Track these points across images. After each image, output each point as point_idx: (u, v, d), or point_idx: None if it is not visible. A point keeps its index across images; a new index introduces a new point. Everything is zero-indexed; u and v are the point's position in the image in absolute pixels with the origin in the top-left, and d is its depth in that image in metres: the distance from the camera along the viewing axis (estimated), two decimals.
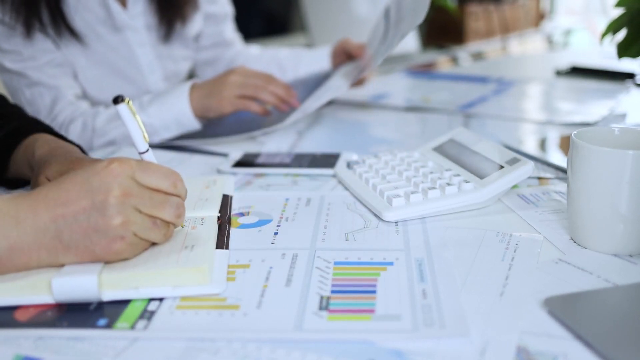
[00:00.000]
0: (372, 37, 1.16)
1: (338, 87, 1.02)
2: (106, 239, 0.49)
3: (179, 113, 0.94)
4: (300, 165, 0.81)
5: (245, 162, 0.83)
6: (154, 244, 0.54)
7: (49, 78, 0.98)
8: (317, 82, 1.13)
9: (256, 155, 0.86)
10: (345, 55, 1.19)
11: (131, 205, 0.50)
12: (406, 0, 0.99)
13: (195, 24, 1.16)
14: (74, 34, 0.98)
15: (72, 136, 0.95)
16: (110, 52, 1.04)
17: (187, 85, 0.95)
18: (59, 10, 0.96)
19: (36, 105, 0.98)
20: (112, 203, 0.49)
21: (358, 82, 1.17)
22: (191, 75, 1.25)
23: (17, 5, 0.93)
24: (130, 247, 0.50)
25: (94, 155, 0.88)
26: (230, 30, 1.26)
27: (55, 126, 0.96)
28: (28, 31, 0.94)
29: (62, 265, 0.50)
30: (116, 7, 1.02)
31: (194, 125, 0.95)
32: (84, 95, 1.04)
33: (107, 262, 0.51)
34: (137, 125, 0.55)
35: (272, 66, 1.25)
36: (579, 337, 0.43)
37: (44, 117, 0.98)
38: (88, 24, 1.00)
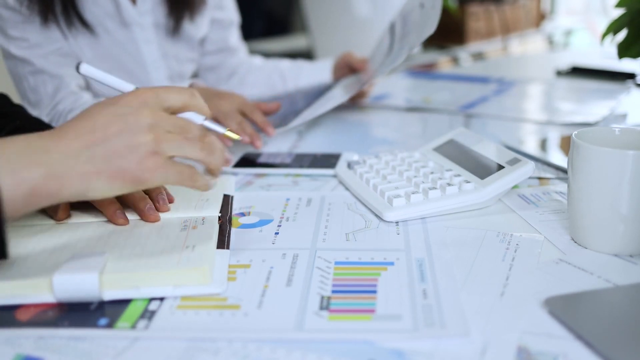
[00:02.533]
0: (375, 51, 1.16)
1: (338, 98, 1.02)
2: (139, 156, 0.49)
3: None
4: (301, 166, 0.81)
5: (246, 162, 0.83)
6: (155, 246, 0.54)
7: (54, 66, 0.98)
8: (318, 93, 1.13)
9: (257, 156, 0.86)
10: (347, 69, 1.19)
11: (161, 125, 0.50)
12: (412, 15, 0.99)
13: (202, 26, 1.16)
14: (85, 25, 0.99)
15: None
16: (117, 46, 1.05)
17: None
18: (72, 2, 0.97)
19: (39, 93, 0.99)
20: (143, 122, 0.49)
21: (360, 95, 1.17)
22: (195, 77, 1.25)
23: None
24: (165, 166, 0.50)
25: None
26: (235, 38, 1.27)
27: (56, 115, 0.97)
28: (41, 20, 0.95)
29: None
30: (125, 3, 1.02)
31: None
32: (88, 88, 1.05)
33: (140, 184, 0.50)
34: (110, 76, 0.55)
35: (274, 76, 1.26)
36: (579, 337, 0.43)
37: (45, 105, 0.99)
38: (96, 18, 1.01)
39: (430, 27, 0.87)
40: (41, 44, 0.98)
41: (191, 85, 0.96)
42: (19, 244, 0.56)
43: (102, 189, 0.49)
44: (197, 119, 0.55)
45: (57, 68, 0.99)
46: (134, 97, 0.51)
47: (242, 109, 0.95)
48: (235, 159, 0.85)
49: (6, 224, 0.47)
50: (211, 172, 0.54)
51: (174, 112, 0.53)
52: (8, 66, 1.01)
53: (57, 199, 0.49)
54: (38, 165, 0.47)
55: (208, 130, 0.55)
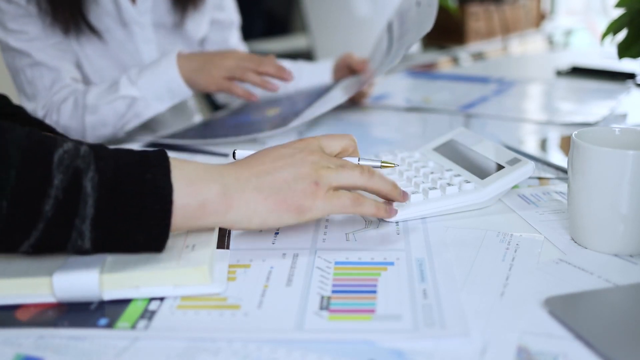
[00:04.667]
0: (374, 52, 1.16)
1: (338, 98, 1.02)
2: (302, 186, 0.54)
3: (169, 81, 0.95)
4: None
5: None
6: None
7: (52, 59, 0.99)
8: (318, 94, 1.13)
9: None
10: (347, 70, 1.19)
11: (322, 162, 0.56)
12: (410, 14, 0.99)
13: (202, 26, 1.16)
14: (89, 26, 1.00)
15: (64, 116, 0.97)
16: (116, 45, 1.05)
17: (173, 54, 0.97)
18: (79, 7, 0.98)
19: (35, 85, 0.99)
20: (307, 159, 0.55)
21: (360, 96, 1.17)
22: None
23: None
24: (327, 195, 0.55)
25: None
26: (235, 39, 1.27)
27: (51, 107, 0.98)
28: (45, 18, 0.96)
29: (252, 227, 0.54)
30: (125, 2, 1.02)
31: (186, 93, 0.97)
32: (86, 83, 1.05)
33: (303, 213, 0.54)
34: None
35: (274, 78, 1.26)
36: (579, 337, 0.43)
37: (41, 98, 0.99)
38: (97, 16, 1.01)
39: (427, 25, 0.87)
40: (40, 37, 0.98)
41: (179, 55, 0.96)
42: None
43: (266, 217, 0.54)
44: (353, 160, 0.62)
45: (55, 61, 0.99)
46: (300, 142, 0.58)
47: (248, 64, 0.96)
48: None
49: (170, 226, 0.50)
50: (387, 197, 0.60)
51: (334, 155, 0.61)
52: (5, 59, 1.01)
53: (222, 220, 0.53)
54: (214, 182, 0.52)
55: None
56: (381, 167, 0.63)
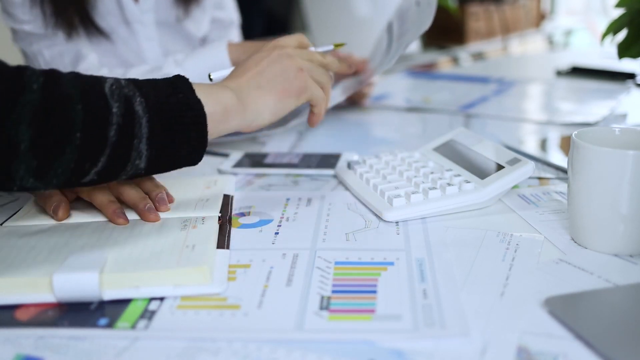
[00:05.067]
0: (374, 52, 1.16)
1: (337, 97, 1.02)
2: (291, 73, 0.66)
3: (217, 65, 0.93)
4: (308, 166, 0.81)
5: (247, 162, 0.83)
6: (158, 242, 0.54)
7: (69, 43, 0.98)
8: None
9: (257, 156, 0.86)
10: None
11: (294, 54, 0.68)
12: (409, 13, 0.99)
13: (203, 24, 1.16)
14: (95, 27, 0.99)
15: None
16: (119, 43, 1.05)
17: (223, 42, 0.97)
18: (86, 10, 0.97)
19: (55, 66, 0.99)
20: (282, 53, 0.67)
21: (360, 96, 1.17)
22: None
23: None
24: (311, 80, 0.68)
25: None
26: (235, 38, 1.26)
27: None
28: (48, 19, 0.96)
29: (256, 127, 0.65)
30: (128, 1, 1.02)
31: None
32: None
33: (303, 94, 0.67)
34: None
35: None
36: (579, 337, 0.43)
37: None
38: (100, 14, 1.01)
39: (426, 23, 0.87)
40: (49, 36, 0.98)
41: (230, 44, 0.96)
42: (19, 244, 0.56)
43: (273, 107, 0.65)
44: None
45: (73, 44, 0.99)
46: (268, 44, 0.70)
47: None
48: (237, 158, 0.85)
49: (207, 133, 0.58)
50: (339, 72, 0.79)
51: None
52: (22, 46, 1.01)
53: (241, 121, 0.62)
54: (226, 90, 0.62)
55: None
56: (334, 48, 0.77)
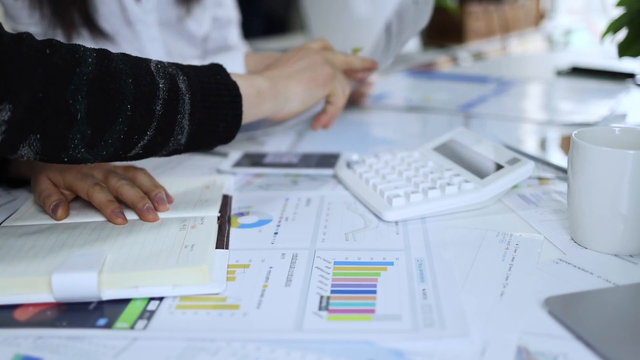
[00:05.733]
0: (373, 52, 1.16)
1: None
2: (318, 65, 0.73)
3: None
4: (307, 166, 0.81)
5: (246, 162, 0.83)
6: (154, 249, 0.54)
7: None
8: None
9: (256, 155, 0.86)
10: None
11: (318, 51, 0.76)
12: (408, 13, 0.99)
13: (204, 23, 1.16)
14: (97, 29, 0.99)
15: None
16: (123, 44, 1.05)
17: (240, 51, 0.98)
18: (87, 11, 0.97)
19: None
20: (309, 51, 0.74)
21: (360, 95, 1.17)
22: None
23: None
24: (332, 73, 0.74)
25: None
26: (234, 36, 1.26)
27: None
28: (49, 21, 0.96)
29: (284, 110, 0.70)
30: (129, 1, 1.02)
31: None
32: None
33: (328, 84, 0.73)
34: None
35: None
36: (579, 337, 0.43)
37: None
38: (103, 16, 1.01)
39: (423, 21, 0.88)
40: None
41: (247, 54, 0.97)
42: (17, 243, 0.56)
43: (303, 95, 0.71)
44: None
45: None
46: (296, 49, 0.77)
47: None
48: (236, 157, 0.85)
49: (243, 112, 0.64)
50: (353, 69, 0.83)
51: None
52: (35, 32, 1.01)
53: (273, 105, 0.68)
54: (260, 77, 0.67)
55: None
56: (352, 53, 0.82)
